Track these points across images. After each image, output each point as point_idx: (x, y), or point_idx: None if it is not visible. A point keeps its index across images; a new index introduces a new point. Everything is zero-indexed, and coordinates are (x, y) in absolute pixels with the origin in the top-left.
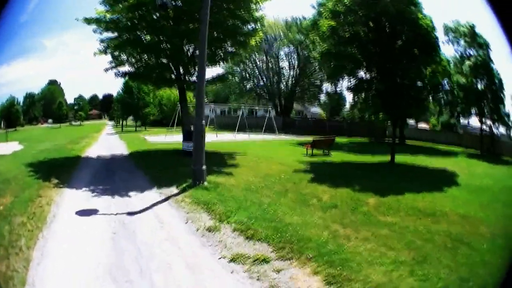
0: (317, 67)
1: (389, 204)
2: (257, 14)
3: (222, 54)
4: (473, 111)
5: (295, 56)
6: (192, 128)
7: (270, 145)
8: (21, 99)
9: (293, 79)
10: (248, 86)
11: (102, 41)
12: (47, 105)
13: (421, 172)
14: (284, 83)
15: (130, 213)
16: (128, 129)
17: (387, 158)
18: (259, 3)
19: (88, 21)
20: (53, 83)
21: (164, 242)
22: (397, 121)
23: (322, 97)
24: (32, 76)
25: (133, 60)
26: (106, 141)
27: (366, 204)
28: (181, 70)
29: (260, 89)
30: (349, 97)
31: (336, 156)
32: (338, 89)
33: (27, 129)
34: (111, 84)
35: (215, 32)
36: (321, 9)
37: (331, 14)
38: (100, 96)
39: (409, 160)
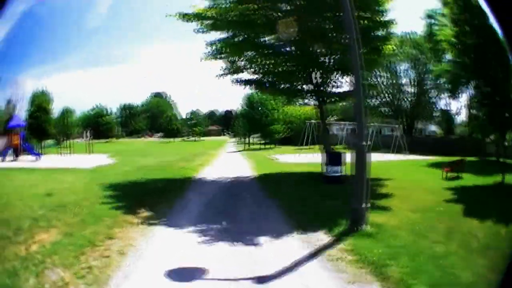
0: (432, 84)
1: None
2: (384, 18)
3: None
4: None
5: (413, 72)
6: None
7: (405, 167)
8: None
9: (414, 96)
10: (372, 103)
11: (210, 44)
12: (153, 118)
13: None
14: (406, 100)
15: (261, 280)
16: (253, 146)
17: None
18: (385, 4)
19: (187, 17)
20: (158, 96)
21: None
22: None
23: (437, 114)
24: (129, 87)
25: (256, 67)
26: (228, 160)
27: None
28: (315, 79)
29: (384, 106)
30: (462, 114)
31: (466, 179)
32: (452, 107)
33: (125, 141)
34: (228, 99)
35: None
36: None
37: (453, 23)
38: (219, 112)
39: None
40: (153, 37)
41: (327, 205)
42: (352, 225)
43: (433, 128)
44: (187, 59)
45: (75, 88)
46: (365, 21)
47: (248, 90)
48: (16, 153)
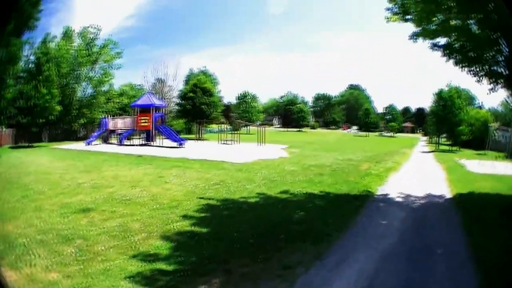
0: None
1: None
2: None
3: None
4: None
5: None
6: None
7: None
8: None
9: None
10: None
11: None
12: (349, 110)
13: None
14: None
15: None
16: (442, 147)
17: None
18: None
19: None
20: (355, 88)
21: None
22: None
23: None
24: (323, 76)
25: (447, 32)
26: (420, 163)
27: None
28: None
29: None
30: None
31: None
32: None
33: (319, 132)
34: (421, 96)
35: None
36: None
37: None
38: (413, 109)
39: None
40: (348, 27)
41: None
42: None
43: None
44: (384, 51)
45: (259, 74)
46: None
47: (438, 86)
48: (150, 137)
